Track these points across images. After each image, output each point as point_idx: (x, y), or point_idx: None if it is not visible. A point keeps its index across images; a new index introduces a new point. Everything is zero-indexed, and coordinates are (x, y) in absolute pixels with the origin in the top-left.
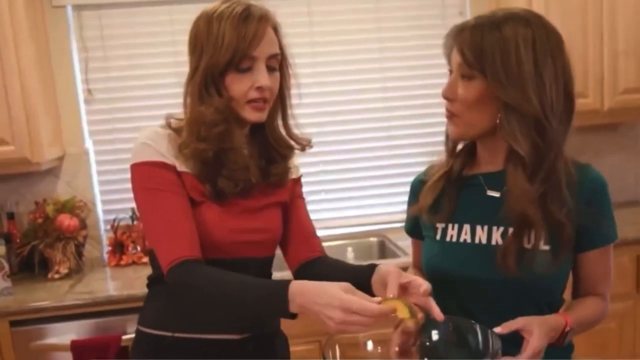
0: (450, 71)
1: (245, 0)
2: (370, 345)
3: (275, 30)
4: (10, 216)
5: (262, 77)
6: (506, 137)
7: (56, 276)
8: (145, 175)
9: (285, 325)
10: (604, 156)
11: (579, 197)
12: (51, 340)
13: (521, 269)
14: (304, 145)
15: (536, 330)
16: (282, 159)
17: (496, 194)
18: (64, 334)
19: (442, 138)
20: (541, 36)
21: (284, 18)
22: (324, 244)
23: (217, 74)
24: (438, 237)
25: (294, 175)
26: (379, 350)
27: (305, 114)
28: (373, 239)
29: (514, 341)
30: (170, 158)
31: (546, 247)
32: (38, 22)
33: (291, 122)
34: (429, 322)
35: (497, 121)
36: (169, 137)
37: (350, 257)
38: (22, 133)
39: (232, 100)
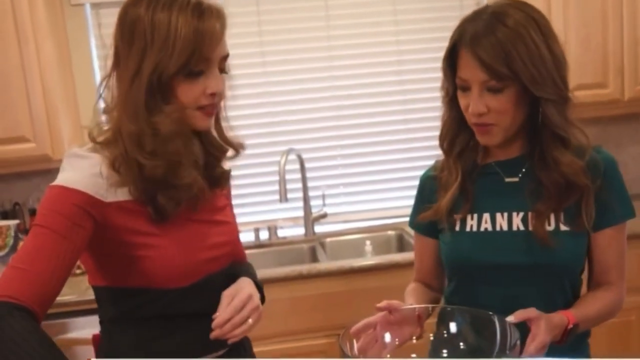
0: (463, 86)
1: None
2: (388, 336)
3: (223, 27)
4: (33, 212)
5: (216, 83)
6: (552, 128)
7: (78, 271)
8: (51, 202)
9: (305, 319)
10: (625, 147)
11: (593, 175)
12: (73, 334)
13: (545, 250)
14: (237, 148)
15: (544, 323)
16: (218, 161)
17: (514, 179)
18: (86, 328)
19: None
20: (538, 18)
21: (300, 12)
22: (343, 238)
23: (165, 78)
24: (457, 228)
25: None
26: (396, 342)
27: (322, 107)
28: (391, 232)
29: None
30: (101, 190)
31: (566, 228)
32: (57, 20)
33: (224, 124)
34: (447, 314)
35: (540, 118)
36: (98, 161)
37: (368, 250)
38: (42, 130)
39: (181, 107)
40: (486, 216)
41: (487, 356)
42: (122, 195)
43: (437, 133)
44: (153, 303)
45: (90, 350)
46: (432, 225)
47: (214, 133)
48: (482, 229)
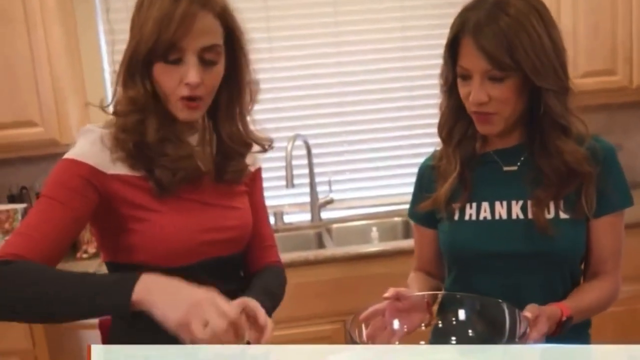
0: (464, 74)
1: None
2: (396, 323)
3: (221, 16)
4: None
5: (190, 73)
6: (554, 117)
7: (84, 256)
8: (58, 174)
9: (311, 304)
10: (633, 134)
11: (593, 163)
12: None
13: (544, 238)
14: (264, 145)
15: (543, 315)
16: (239, 156)
17: (513, 168)
18: None
19: None
20: (539, 7)
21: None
22: (350, 224)
23: (140, 63)
24: (456, 217)
25: (252, 168)
26: (405, 329)
27: (329, 93)
28: (397, 219)
29: None
30: (104, 162)
31: (566, 216)
32: (66, 5)
33: (249, 119)
34: (456, 301)
35: (541, 108)
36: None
37: (374, 236)
38: (51, 115)
39: (161, 92)
40: (485, 205)
41: (496, 343)
42: (124, 169)
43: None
44: None
45: (96, 335)
46: (430, 215)
47: (240, 127)
48: (481, 217)
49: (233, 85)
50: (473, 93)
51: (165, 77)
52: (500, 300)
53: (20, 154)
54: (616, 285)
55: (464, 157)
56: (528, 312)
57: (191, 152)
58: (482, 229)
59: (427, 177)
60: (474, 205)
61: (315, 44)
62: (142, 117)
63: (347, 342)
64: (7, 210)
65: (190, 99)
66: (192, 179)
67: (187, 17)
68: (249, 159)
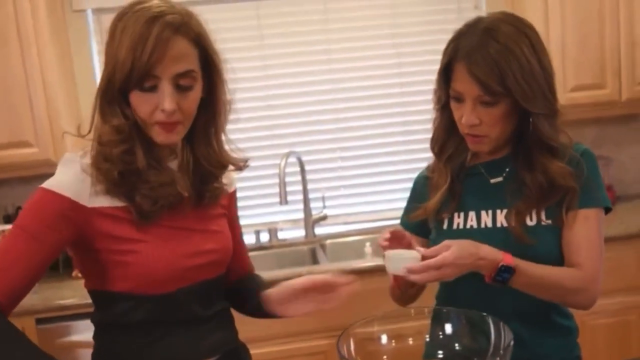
0: (457, 97)
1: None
2: (384, 338)
3: (196, 41)
4: None
5: (165, 101)
6: (542, 139)
7: (80, 275)
8: (33, 204)
9: (305, 320)
10: (623, 147)
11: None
12: (76, 337)
13: (521, 246)
14: (240, 166)
15: (455, 247)
16: (215, 178)
17: (499, 180)
18: (89, 331)
19: None
20: (529, 32)
21: (299, 16)
22: (343, 240)
23: (117, 91)
24: (445, 226)
25: (229, 190)
26: (393, 344)
27: (322, 110)
28: None
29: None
30: (84, 194)
31: (548, 222)
32: (59, 26)
33: (223, 139)
34: (442, 315)
35: (530, 129)
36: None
37: (368, 252)
38: (45, 135)
39: (139, 119)
40: (472, 214)
41: (481, 356)
42: (105, 201)
43: None
44: (139, 308)
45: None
46: (422, 224)
47: (216, 149)
48: (468, 226)
49: (209, 107)
50: (465, 116)
51: (141, 104)
52: (484, 314)
53: (16, 174)
54: (587, 277)
55: (454, 169)
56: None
57: (173, 178)
58: (467, 237)
59: (420, 188)
60: (462, 214)
61: (309, 61)
62: (130, 145)
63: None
64: (3, 231)
65: (166, 123)
66: (173, 205)
67: (160, 43)
68: (225, 179)
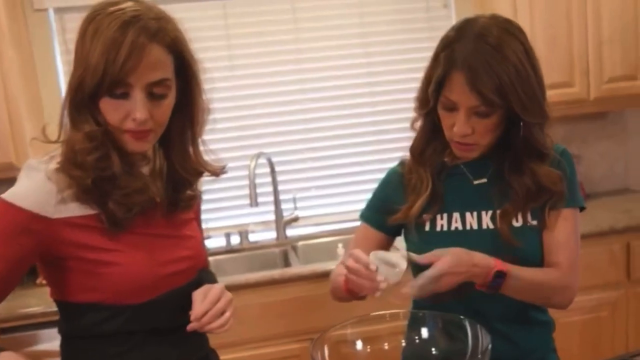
0: (450, 106)
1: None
2: (359, 344)
3: (172, 47)
4: None
5: (137, 110)
6: (533, 145)
7: (44, 282)
8: None
9: (277, 324)
10: (592, 145)
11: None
12: (41, 346)
13: (510, 247)
14: (217, 173)
15: (449, 256)
16: (189, 184)
17: (483, 181)
18: (54, 339)
19: None
20: (524, 42)
21: (267, 15)
22: (315, 241)
23: (86, 96)
24: (427, 228)
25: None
26: (368, 350)
27: (291, 110)
28: None
29: (506, 338)
30: (49, 206)
31: (534, 222)
32: (20, 26)
33: (201, 147)
34: (418, 319)
35: (521, 135)
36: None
37: (340, 253)
38: (5, 138)
39: (110, 126)
40: (456, 215)
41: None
42: (73, 210)
43: (407, 134)
44: (113, 319)
45: None
46: (385, 216)
47: (192, 155)
48: (452, 228)
49: (186, 113)
50: (458, 126)
51: (112, 111)
52: (462, 317)
53: None
54: (566, 278)
55: (435, 172)
56: (421, 256)
57: (146, 184)
58: (454, 239)
59: (394, 185)
60: (445, 216)
61: (277, 61)
62: (104, 152)
63: None
64: None
65: (137, 131)
66: (145, 211)
67: (135, 51)
68: (200, 187)
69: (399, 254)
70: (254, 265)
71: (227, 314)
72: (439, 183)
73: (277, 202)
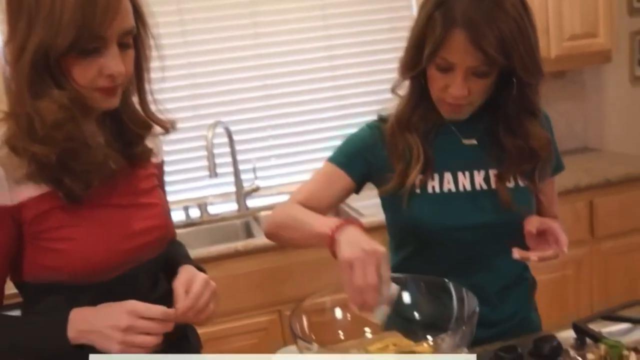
0: (445, 67)
1: None
2: (338, 311)
3: None
4: None
5: (114, 64)
6: (528, 104)
7: None
8: None
9: (244, 297)
10: (552, 104)
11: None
12: None
13: (508, 208)
14: (167, 127)
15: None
16: (140, 138)
17: (473, 142)
18: None
19: (389, 96)
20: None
21: None
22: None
23: (53, 59)
24: (418, 189)
25: (154, 160)
26: (349, 317)
27: (249, 77)
28: None
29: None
30: (3, 194)
31: (524, 184)
32: None
33: (149, 99)
34: (400, 283)
35: (514, 94)
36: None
37: None
38: None
39: (76, 89)
40: (448, 176)
41: (444, 324)
42: (29, 190)
43: (366, 99)
44: (74, 300)
45: None
46: (358, 164)
47: (138, 107)
48: (445, 189)
49: (136, 64)
50: (454, 87)
51: (81, 70)
52: (446, 280)
53: None
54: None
55: (423, 134)
56: (529, 225)
57: (105, 154)
58: (447, 202)
59: (375, 138)
60: (436, 176)
61: (233, 26)
62: (77, 122)
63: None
64: None
65: (109, 88)
66: (106, 182)
67: (112, 4)
68: (151, 144)
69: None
70: (216, 239)
71: (212, 306)
72: (428, 145)
73: (236, 173)
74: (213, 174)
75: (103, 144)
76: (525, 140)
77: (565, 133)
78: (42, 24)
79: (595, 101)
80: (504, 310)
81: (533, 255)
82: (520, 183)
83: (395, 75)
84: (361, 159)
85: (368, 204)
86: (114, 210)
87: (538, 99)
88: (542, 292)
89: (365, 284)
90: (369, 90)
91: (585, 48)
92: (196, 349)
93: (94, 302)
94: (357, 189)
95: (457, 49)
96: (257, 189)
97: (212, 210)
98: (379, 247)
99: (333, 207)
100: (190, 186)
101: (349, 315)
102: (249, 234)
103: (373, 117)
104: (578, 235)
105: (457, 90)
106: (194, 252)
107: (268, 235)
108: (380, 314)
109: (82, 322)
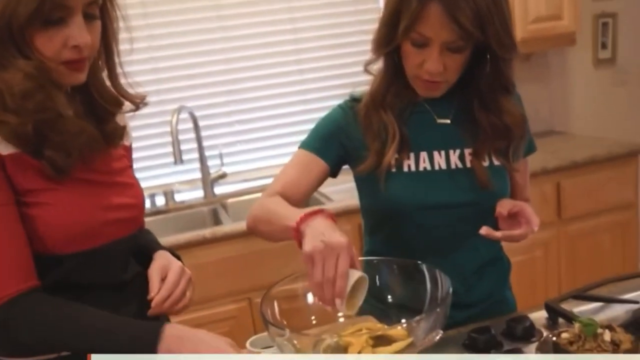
0: (420, 42)
1: None
2: (310, 297)
3: None
4: None
5: (80, 34)
6: (501, 80)
7: None
8: None
9: (213, 285)
10: (517, 87)
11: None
12: None
13: (485, 187)
14: (137, 103)
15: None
16: (111, 115)
17: (447, 121)
18: None
19: (355, 79)
20: None
21: None
22: (246, 197)
23: (16, 29)
24: (393, 169)
25: (126, 142)
26: (321, 303)
27: (212, 61)
28: None
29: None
30: None
31: (498, 163)
32: None
33: (119, 72)
34: (373, 266)
35: (488, 70)
36: None
37: None
38: None
39: (42, 61)
40: (424, 155)
41: (418, 307)
42: (9, 147)
43: (331, 83)
44: (50, 270)
45: None
46: (334, 147)
47: (108, 83)
48: (420, 168)
49: (101, 38)
50: (430, 63)
51: (46, 42)
52: (419, 262)
53: None
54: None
55: (397, 112)
56: (500, 207)
57: (81, 126)
58: (423, 180)
59: (348, 119)
60: (412, 155)
61: (196, 7)
62: (47, 92)
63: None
64: None
65: (75, 61)
66: (84, 156)
67: None
68: (122, 123)
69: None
70: (182, 226)
71: (188, 295)
72: (403, 124)
73: (202, 159)
74: (179, 160)
75: (73, 116)
76: (500, 116)
77: (531, 116)
78: None
79: (560, 84)
80: (480, 290)
81: (499, 233)
82: (495, 162)
83: (358, 58)
84: (335, 142)
85: (337, 189)
86: (92, 185)
87: (512, 75)
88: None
89: (324, 279)
90: (334, 73)
91: (550, 30)
92: None
93: (71, 273)
94: (334, 173)
95: (433, 23)
96: (224, 176)
97: (179, 197)
98: (341, 238)
99: (311, 193)
100: (156, 173)
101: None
102: (217, 221)
103: (338, 101)
104: (546, 217)
105: (432, 65)
106: (161, 241)
107: (250, 230)
108: (343, 305)
109: (179, 344)
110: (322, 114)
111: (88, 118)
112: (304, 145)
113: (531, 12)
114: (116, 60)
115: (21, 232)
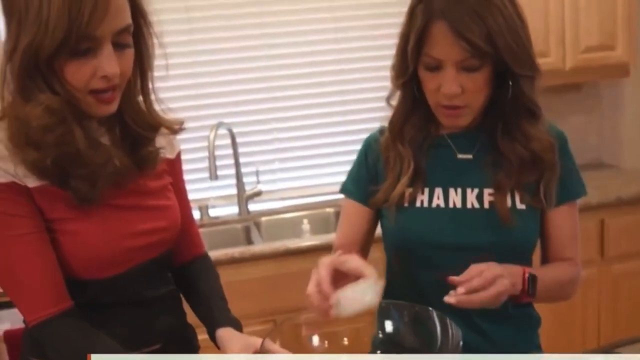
0: (433, 65)
1: None
2: (315, 339)
3: None
4: None
5: (108, 64)
6: (525, 103)
7: None
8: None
9: (239, 305)
10: (566, 117)
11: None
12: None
13: (504, 228)
14: (175, 129)
15: (486, 266)
16: (146, 140)
17: (468, 156)
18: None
19: None
20: None
21: None
22: (280, 216)
23: (43, 60)
24: (406, 203)
25: (169, 155)
26: (326, 345)
27: (254, 78)
28: (329, 210)
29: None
30: (18, 174)
31: (522, 206)
32: None
33: (153, 98)
34: (382, 311)
35: (510, 94)
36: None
37: (306, 229)
38: None
39: (70, 92)
40: (438, 191)
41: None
42: (33, 181)
43: (374, 105)
44: (76, 292)
45: (2, 347)
46: (369, 192)
47: (143, 107)
48: (433, 205)
49: (137, 64)
50: (446, 85)
51: (76, 72)
52: (430, 309)
53: None
54: (578, 269)
55: (416, 146)
56: (447, 297)
57: (109, 154)
58: (435, 218)
59: (373, 156)
60: (427, 190)
61: (238, 25)
62: (67, 127)
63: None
64: None
65: (103, 91)
66: (113, 183)
67: (100, 4)
68: (164, 142)
69: (364, 278)
70: (215, 242)
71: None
72: (421, 157)
73: (238, 176)
74: (214, 176)
75: (108, 144)
76: (525, 144)
77: (579, 148)
78: (30, 24)
79: (612, 116)
80: (498, 341)
81: (453, 298)
82: (519, 205)
83: None
84: (367, 182)
85: None
86: (119, 211)
87: (535, 96)
88: (548, 314)
89: (308, 293)
90: (376, 96)
91: (602, 60)
92: (195, 349)
93: (91, 297)
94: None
95: (439, 42)
96: (259, 193)
97: (213, 213)
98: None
99: (369, 241)
100: (191, 187)
101: (326, 342)
102: (249, 238)
103: (378, 124)
104: (586, 255)
105: (448, 87)
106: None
107: None
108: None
109: None
110: (363, 136)
111: (123, 142)
112: (344, 191)
113: (582, 40)
114: (150, 86)
115: (52, 257)
